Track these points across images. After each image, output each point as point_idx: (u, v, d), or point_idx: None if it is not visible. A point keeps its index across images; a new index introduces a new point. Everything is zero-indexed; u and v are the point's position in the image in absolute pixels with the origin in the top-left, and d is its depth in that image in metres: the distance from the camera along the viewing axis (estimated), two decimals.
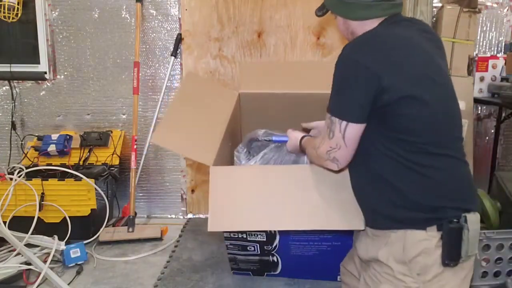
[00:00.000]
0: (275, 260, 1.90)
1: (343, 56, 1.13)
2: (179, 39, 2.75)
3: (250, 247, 1.83)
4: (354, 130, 1.12)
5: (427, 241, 1.12)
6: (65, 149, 2.67)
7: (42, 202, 2.43)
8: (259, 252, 1.86)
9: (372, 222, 1.24)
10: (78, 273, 2.19)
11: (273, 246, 1.83)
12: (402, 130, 1.10)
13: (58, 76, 2.89)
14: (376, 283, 1.20)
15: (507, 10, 2.73)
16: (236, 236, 1.79)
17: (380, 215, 1.19)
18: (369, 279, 1.24)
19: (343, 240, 1.77)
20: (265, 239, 1.80)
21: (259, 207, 1.36)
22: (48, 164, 2.60)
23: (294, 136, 1.52)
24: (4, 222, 2.22)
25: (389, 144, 1.13)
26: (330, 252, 1.80)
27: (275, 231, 1.77)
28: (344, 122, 1.11)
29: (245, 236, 1.78)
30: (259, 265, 1.94)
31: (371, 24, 1.21)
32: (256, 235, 1.78)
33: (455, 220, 1.11)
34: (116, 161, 2.76)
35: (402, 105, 1.08)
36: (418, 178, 1.12)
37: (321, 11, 1.36)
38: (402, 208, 1.14)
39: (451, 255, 1.12)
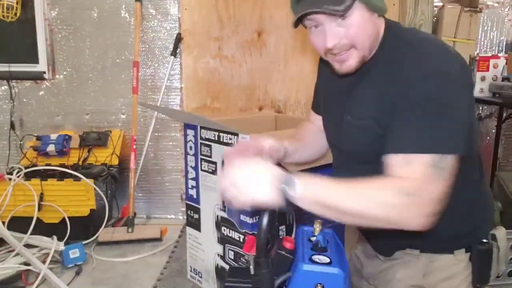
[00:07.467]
0: None
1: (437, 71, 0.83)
2: (178, 39, 2.74)
3: None
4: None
5: (455, 265, 1.01)
6: (64, 149, 2.66)
7: (41, 202, 2.42)
8: None
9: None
10: (77, 273, 2.18)
11: None
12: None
13: (57, 76, 2.88)
14: None
15: (508, 9, 2.72)
16: None
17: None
18: None
19: None
20: None
21: None
22: (47, 164, 2.59)
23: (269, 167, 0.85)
24: (3, 223, 2.22)
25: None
26: None
27: None
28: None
29: None
30: None
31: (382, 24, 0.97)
32: None
33: (484, 240, 1.01)
34: (115, 161, 2.75)
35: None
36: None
37: (343, 4, 0.85)
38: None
39: (482, 277, 1.02)
